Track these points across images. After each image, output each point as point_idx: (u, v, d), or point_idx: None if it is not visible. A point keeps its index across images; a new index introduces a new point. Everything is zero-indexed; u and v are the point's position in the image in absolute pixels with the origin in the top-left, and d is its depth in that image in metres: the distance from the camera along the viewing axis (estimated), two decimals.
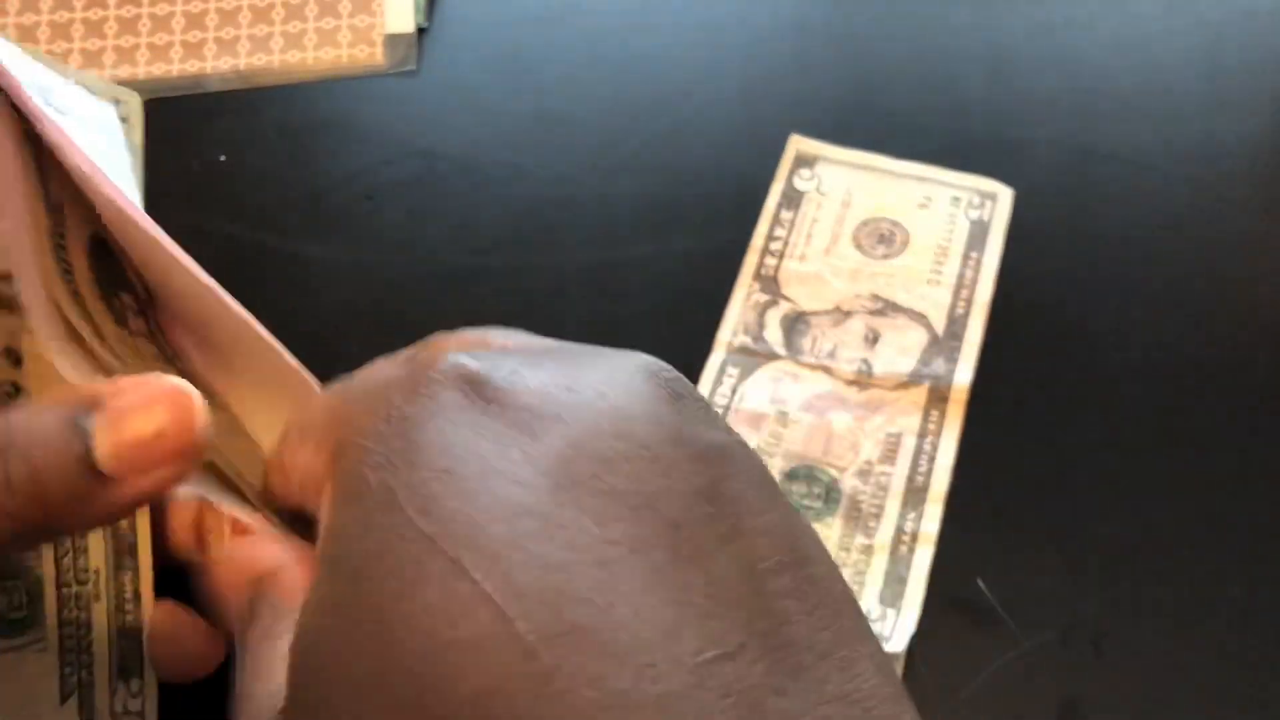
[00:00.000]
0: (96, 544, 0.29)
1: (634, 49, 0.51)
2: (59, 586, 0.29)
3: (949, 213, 0.45)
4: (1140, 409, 0.42)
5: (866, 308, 0.43)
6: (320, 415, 0.21)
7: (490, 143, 0.48)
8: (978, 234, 0.45)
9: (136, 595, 0.30)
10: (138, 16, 0.51)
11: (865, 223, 0.45)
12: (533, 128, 0.48)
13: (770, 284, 0.44)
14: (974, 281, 0.44)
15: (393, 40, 0.50)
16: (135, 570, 0.30)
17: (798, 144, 0.47)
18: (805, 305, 0.43)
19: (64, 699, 0.29)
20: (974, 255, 0.45)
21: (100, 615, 0.29)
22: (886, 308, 0.43)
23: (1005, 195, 0.46)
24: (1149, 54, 0.49)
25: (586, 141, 0.48)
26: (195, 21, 0.51)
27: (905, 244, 0.45)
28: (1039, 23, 0.51)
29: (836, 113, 0.48)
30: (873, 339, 0.42)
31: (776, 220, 0.45)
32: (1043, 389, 0.42)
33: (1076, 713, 0.36)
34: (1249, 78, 0.49)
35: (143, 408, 0.20)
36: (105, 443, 0.20)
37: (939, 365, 0.42)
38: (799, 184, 0.46)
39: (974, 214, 0.45)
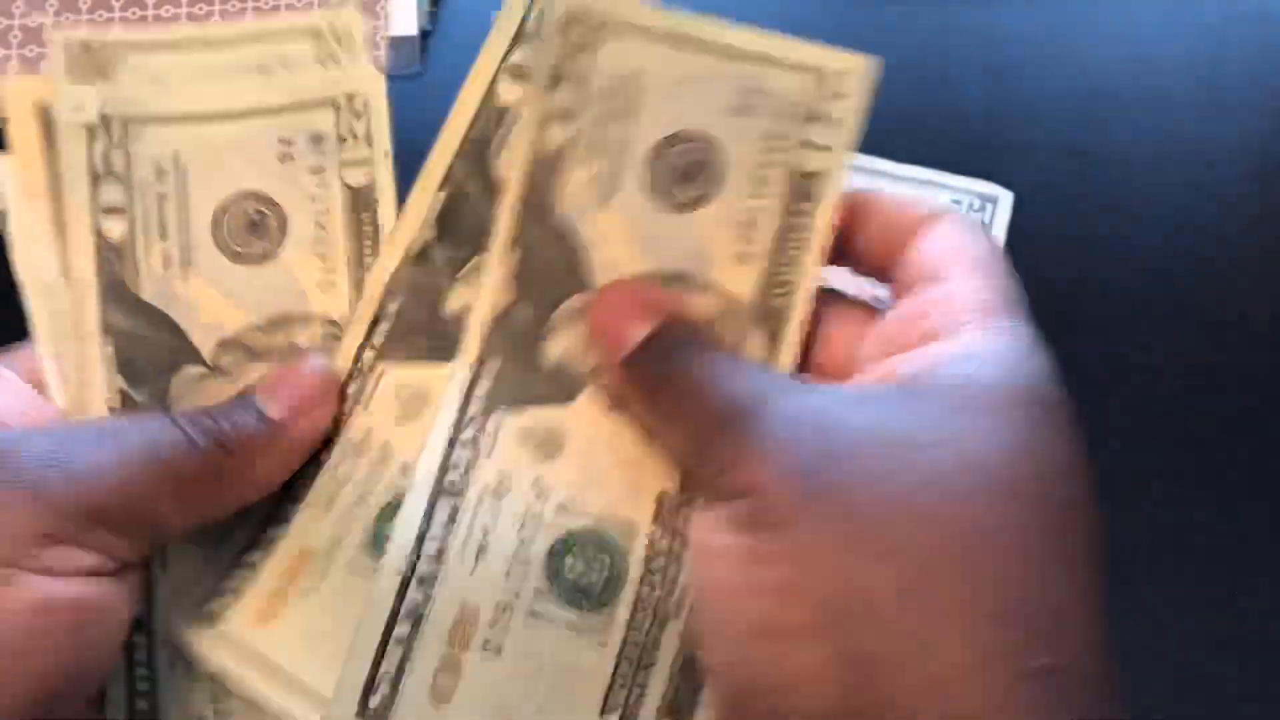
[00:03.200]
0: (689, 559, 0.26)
1: None
2: (641, 584, 0.26)
3: None
4: (1139, 410, 0.42)
5: None
6: None
7: None
8: None
9: None
10: (143, 18, 0.51)
11: None
12: None
13: None
14: None
15: (397, 43, 0.50)
16: None
17: None
18: None
19: (603, 712, 0.25)
20: None
21: (671, 639, 0.26)
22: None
23: (1005, 198, 0.46)
24: (1148, 58, 0.50)
25: None
26: (200, 25, 0.51)
27: None
28: (1039, 26, 0.51)
29: None
30: None
31: None
32: None
33: None
34: (1248, 81, 0.49)
35: (289, 372, 0.28)
36: (268, 400, 0.27)
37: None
38: None
39: (974, 217, 0.46)
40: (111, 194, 0.28)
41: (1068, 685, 0.21)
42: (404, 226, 0.28)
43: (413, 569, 0.25)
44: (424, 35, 0.51)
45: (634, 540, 0.26)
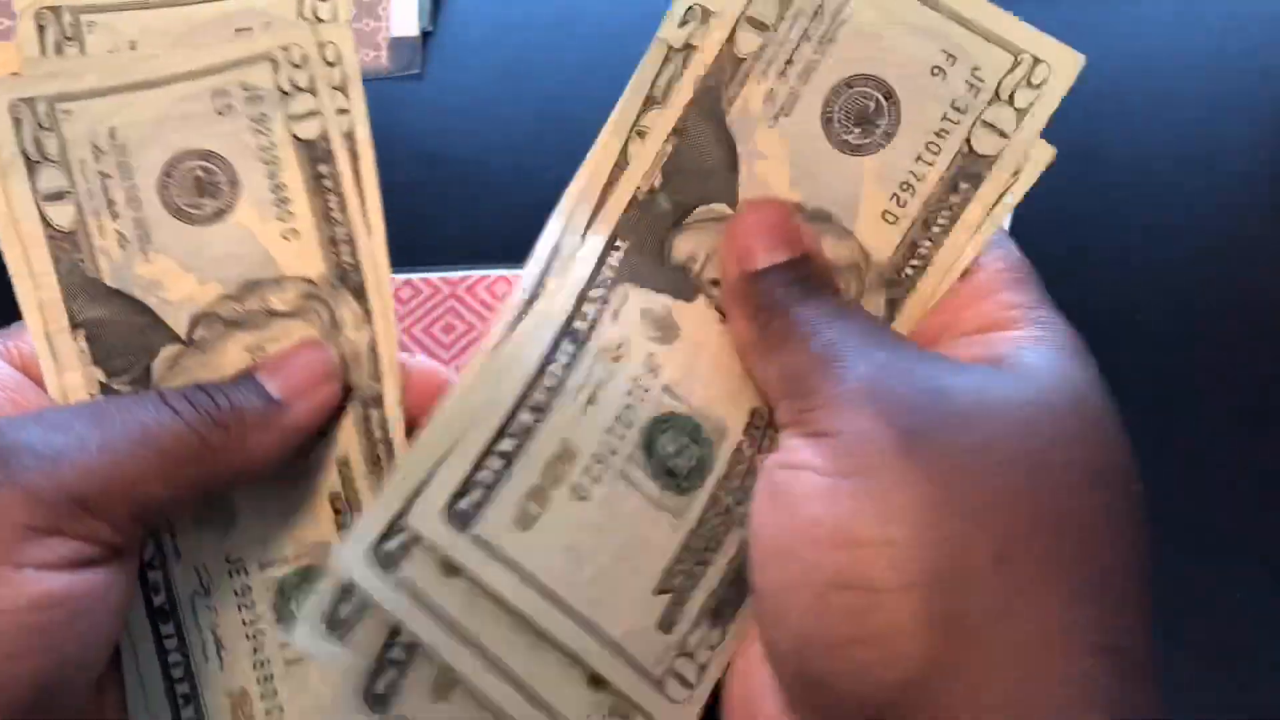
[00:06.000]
0: None
1: (637, 53, 0.51)
2: (720, 484, 0.27)
3: None
4: (1141, 412, 0.42)
5: None
6: None
7: (495, 146, 0.48)
8: None
9: None
10: None
11: None
12: (537, 131, 0.48)
13: None
14: None
15: (398, 44, 0.50)
16: None
17: None
18: None
19: (658, 590, 0.26)
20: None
21: (731, 545, 0.27)
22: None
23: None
24: (1151, 59, 0.50)
25: (590, 145, 0.48)
26: None
27: None
28: (1040, 26, 0.51)
29: None
30: None
31: None
32: None
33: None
34: (1251, 82, 0.49)
35: (293, 352, 0.28)
36: (270, 379, 0.27)
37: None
38: None
39: None
40: (51, 180, 0.27)
41: (1127, 665, 0.21)
42: (631, 172, 0.27)
43: (529, 391, 0.26)
44: (424, 35, 0.51)
45: (723, 442, 0.27)
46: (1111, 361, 0.44)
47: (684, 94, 0.27)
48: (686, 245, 0.27)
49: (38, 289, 0.27)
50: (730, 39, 0.26)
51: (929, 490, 0.21)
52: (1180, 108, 0.48)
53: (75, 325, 0.27)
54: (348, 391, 0.28)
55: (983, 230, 0.26)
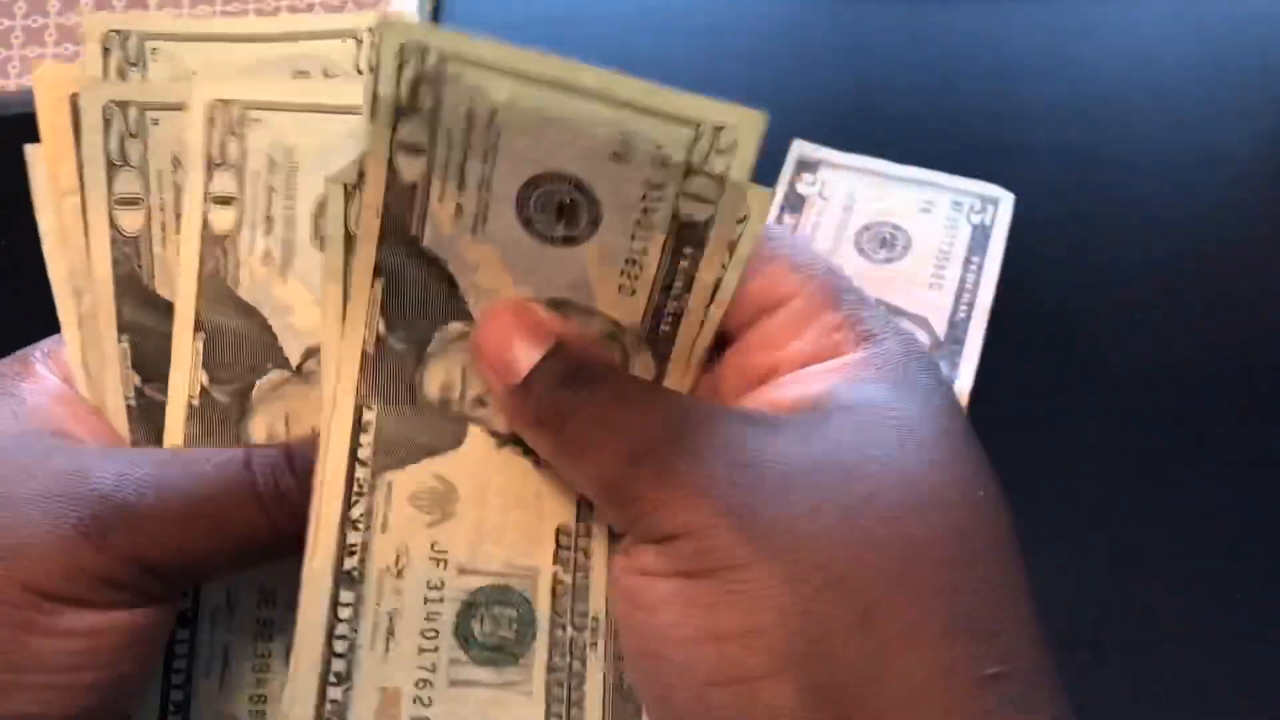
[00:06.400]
0: (599, 587, 0.26)
1: (637, 52, 0.51)
2: (553, 626, 0.26)
3: (950, 217, 0.46)
4: (1140, 413, 0.42)
5: None
6: None
7: None
8: (979, 238, 0.45)
9: None
10: None
11: (867, 227, 0.45)
12: None
13: None
14: (975, 285, 0.44)
15: None
16: None
17: (800, 149, 0.47)
18: None
19: None
20: (975, 259, 0.45)
21: (595, 668, 0.26)
22: (888, 311, 0.43)
23: (1007, 200, 0.46)
24: (1151, 59, 0.50)
25: None
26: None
27: (907, 248, 0.45)
28: (1042, 28, 0.51)
29: (839, 117, 0.48)
30: None
31: (778, 224, 0.45)
32: (1043, 392, 0.42)
33: (1077, 716, 0.37)
34: (1250, 83, 0.49)
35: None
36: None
37: (940, 369, 0.42)
38: (801, 188, 0.46)
39: (976, 219, 0.46)
40: (223, 184, 0.27)
41: (1018, 688, 0.21)
42: (350, 330, 0.25)
43: (327, 667, 0.25)
44: None
45: (538, 585, 0.26)
46: (1109, 360, 0.45)
47: (370, 232, 0.24)
48: (437, 377, 0.26)
49: (100, 289, 0.27)
50: (391, 168, 0.24)
51: (776, 568, 0.21)
52: (1180, 108, 0.48)
53: (198, 327, 0.27)
54: None
55: (728, 278, 0.25)
